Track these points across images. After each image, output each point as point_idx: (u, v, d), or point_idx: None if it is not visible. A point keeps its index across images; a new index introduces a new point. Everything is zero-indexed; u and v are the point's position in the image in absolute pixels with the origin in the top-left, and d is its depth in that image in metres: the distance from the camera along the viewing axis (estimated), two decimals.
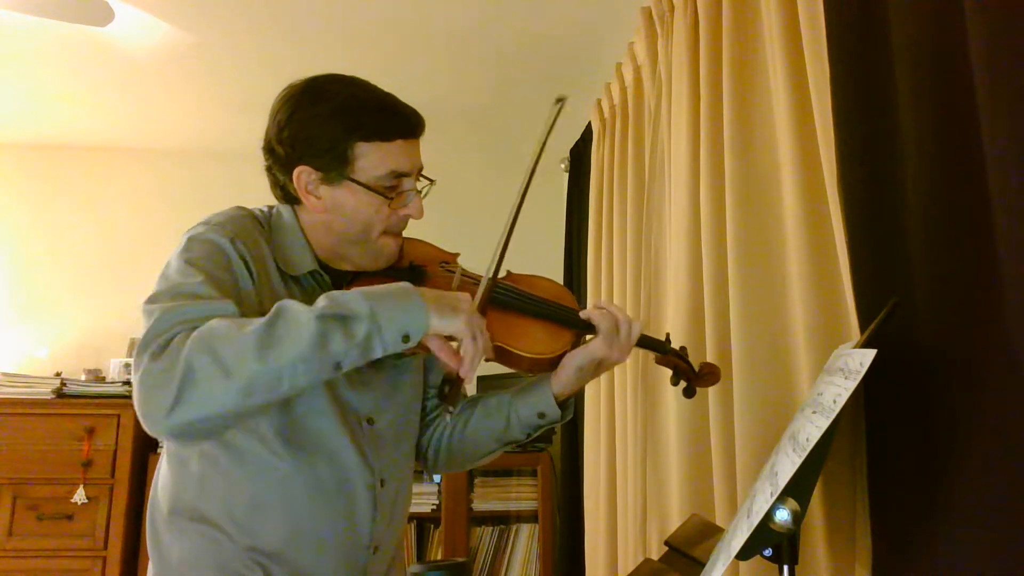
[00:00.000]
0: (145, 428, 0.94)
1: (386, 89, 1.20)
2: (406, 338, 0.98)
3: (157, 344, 0.95)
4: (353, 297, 0.98)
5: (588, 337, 1.23)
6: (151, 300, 1.02)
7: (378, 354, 0.98)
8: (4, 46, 2.63)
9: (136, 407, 0.94)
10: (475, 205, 3.05)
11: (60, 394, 2.88)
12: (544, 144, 1.18)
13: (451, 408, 1.11)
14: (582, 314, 1.23)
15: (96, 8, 2.18)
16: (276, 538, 1.10)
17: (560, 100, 1.19)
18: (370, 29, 2.51)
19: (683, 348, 1.29)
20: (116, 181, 3.52)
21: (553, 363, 1.21)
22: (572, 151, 3.26)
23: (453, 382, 1.07)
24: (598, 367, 1.22)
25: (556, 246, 3.29)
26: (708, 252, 1.65)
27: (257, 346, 0.92)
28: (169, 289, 1.02)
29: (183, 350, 0.92)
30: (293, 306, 0.96)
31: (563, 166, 3.31)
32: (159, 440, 1.01)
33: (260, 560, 1.09)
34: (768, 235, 1.48)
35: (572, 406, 1.27)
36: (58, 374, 3.07)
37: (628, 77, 2.46)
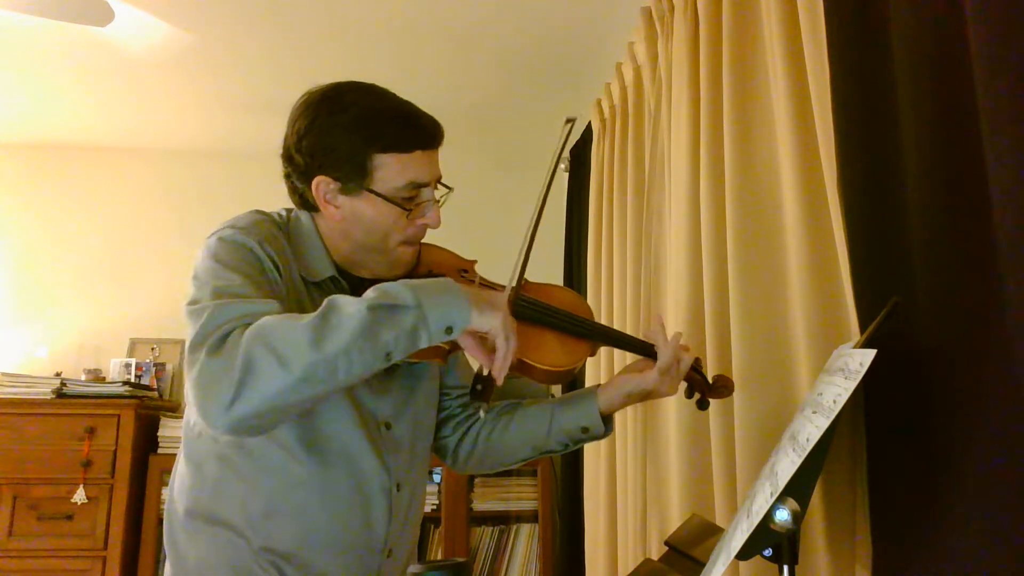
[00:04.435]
0: (206, 424, 0.95)
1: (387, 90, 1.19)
2: (449, 330, 1.00)
3: (213, 340, 0.96)
4: (399, 288, 0.99)
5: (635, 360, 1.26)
6: (194, 302, 1.02)
7: (423, 344, 0.99)
8: (4, 46, 2.63)
9: (195, 404, 0.95)
10: (476, 205, 3.05)
11: (60, 394, 2.88)
12: (558, 160, 1.23)
13: (484, 406, 1.11)
14: (647, 336, 1.25)
15: (96, 8, 2.18)
16: (291, 540, 1.11)
17: (570, 120, 1.23)
18: (370, 30, 2.51)
19: (697, 360, 1.28)
20: (116, 181, 3.52)
21: (569, 375, 1.21)
22: (572, 151, 3.26)
23: (486, 380, 1.07)
24: (646, 396, 1.26)
25: (556, 246, 3.29)
26: (708, 252, 1.64)
27: (312, 337, 0.93)
28: (211, 290, 1.02)
29: (241, 344, 0.94)
30: (343, 298, 0.98)
31: (563, 166, 3.31)
32: (224, 435, 1.01)
33: (275, 562, 1.10)
34: (768, 235, 1.48)
35: (613, 421, 1.30)
36: (58, 374, 3.07)
37: (628, 77, 2.46)
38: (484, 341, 1.05)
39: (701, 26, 1.78)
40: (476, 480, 3.08)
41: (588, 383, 2.59)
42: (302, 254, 1.17)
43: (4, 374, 2.96)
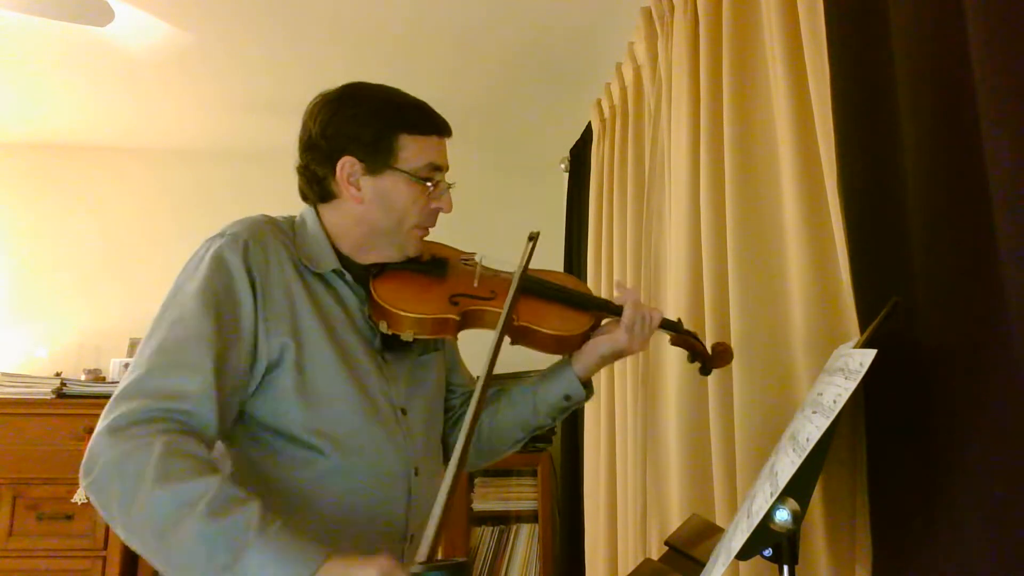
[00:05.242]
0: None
1: None
2: None
3: (121, 419, 0.99)
4: (264, 513, 0.95)
5: (605, 321, 1.31)
6: (149, 336, 1.05)
7: None
8: (4, 46, 2.63)
9: (91, 440, 1.02)
10: (476, 204, 3.04)
11: (60, 394, 2.88)
12: (523, 271, 1.27)
13: None
14: (618, 300, 1.30)
15: (96, 8, 2.18)
16: (313, 533, 1.10)
17: (533, 237, 1.32)
18: (370, 29, 2.51)
19: (694, 332, 1.36)
20: (116, 181, 3.52)
21: (578, 341, 1.28)
22: (572, 151, 3.26)
23: None
24: (620, 355, 1.30)
25: (556, 246, 3.29)
26: (708, 252, 1.65)
27: (170, 511, 0.93)
28: (166, 330, 1.05)
29: (127, 449, 0.97)
30: (229, 490, 0.95)
31: (563, 166, 3.31)
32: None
33: None
34: (768, 235, 1.48)
35: (592, 385, 1.35)
36: (58, 374, 3.07)
37: (628, 77, 2.46)
38: None
39: (701, 26, 1.78)
40: (476, 480, 3.08)
41: None
42: (306, 248, 1.21)
43: (4, 374, 2.96)
